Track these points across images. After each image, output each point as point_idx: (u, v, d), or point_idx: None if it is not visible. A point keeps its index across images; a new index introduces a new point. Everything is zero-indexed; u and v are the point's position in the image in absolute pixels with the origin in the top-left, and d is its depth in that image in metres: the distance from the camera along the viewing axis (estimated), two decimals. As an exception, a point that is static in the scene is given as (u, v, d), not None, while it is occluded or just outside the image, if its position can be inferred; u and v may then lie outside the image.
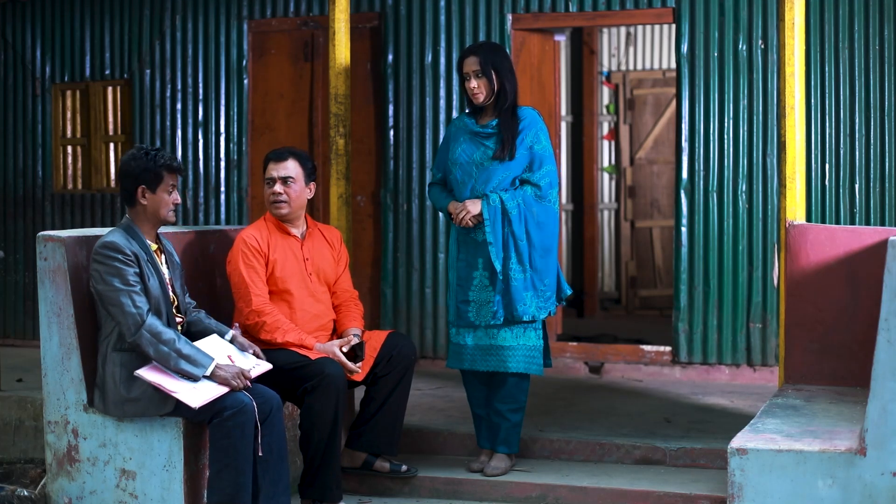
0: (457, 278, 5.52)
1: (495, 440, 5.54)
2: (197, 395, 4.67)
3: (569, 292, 5.57)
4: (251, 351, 5.03)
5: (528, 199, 5.38)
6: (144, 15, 8.55)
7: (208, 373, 4.74)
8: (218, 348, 4.90)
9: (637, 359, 7.55)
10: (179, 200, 4.99)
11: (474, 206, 5.41)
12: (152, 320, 4.73)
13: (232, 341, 5.01)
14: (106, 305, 4.78)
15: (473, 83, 5.41)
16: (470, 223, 5.42)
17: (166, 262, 5.01)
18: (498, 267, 5.37)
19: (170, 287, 4.96)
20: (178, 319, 5.01)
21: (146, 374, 4.72)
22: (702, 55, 7.27)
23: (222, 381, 4.75)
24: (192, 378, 4.73)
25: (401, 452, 5.60)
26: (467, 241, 5.50)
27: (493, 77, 5.40)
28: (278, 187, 5.35)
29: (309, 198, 5.46)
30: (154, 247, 4.96)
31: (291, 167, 5.37)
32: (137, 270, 4.78)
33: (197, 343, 4.86)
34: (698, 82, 7.28)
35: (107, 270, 4.75)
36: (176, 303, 5.01)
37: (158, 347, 4.71)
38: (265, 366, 4.98)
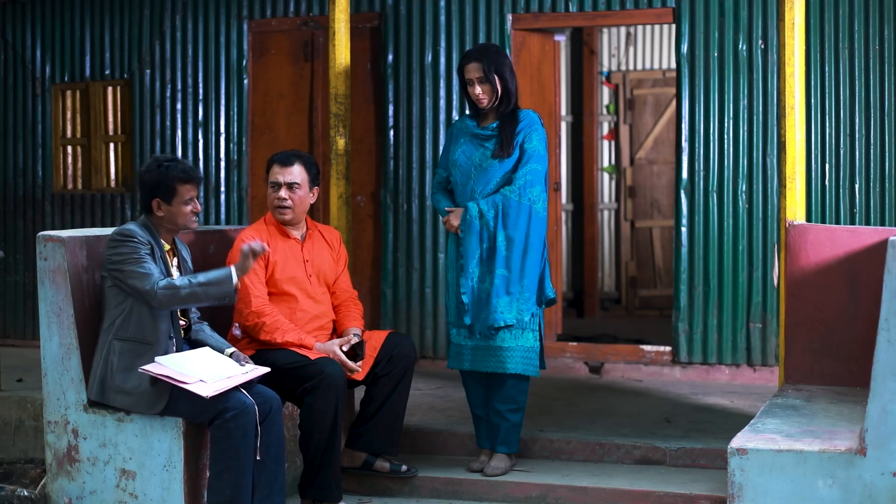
0: (456, 279, 5.52)
1: (495, 440, 5.54)
2: (207, 386, 4.66)
3: (551, 296, 5.51)
4: (248, 363, 5.02)
5: (506, 201, 5.34)
6: (144, 15, 8.55)
7: (236, 280, 4.79)
8: (212, 360, 4.88)
9: (637, 359, 7.55)
10: (200, 209, 5.00)
11: (455, 219, 5.46)
12: (162, 280, 4.75)
13: (231, 356, 5.01)
14: (123, 280, 4.78)
15: (478, 89, 5.41)
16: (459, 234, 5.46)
17: (178, 266, 5.02)
18: (466, 290, 5.36)
19: None
20: (181, 322, 5.01)
21: (153, 368, 4.72)
22: (702, 55, 7.27)
23: (245, 271, 4.84)
24: (228, 296, 4.79)
25: (401, 452, 5.60)
26: (466, 243, 5.51)
27: (497, 82, 5.40)
28: (283, 193, 5.35)
29: (312, 202, 5.46)
30: (167, 247, 4.97)
31: (297, 173, 5.36)
32: (150, 253, 4.80)
33: (191, 353, 4.86)
34: (698, 82, 7.28)
35: (121, 250, 4.79)
36: None
37: (180, 292, 4.73)
38: (262, 369, 4.97)
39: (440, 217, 5.76)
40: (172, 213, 4.93)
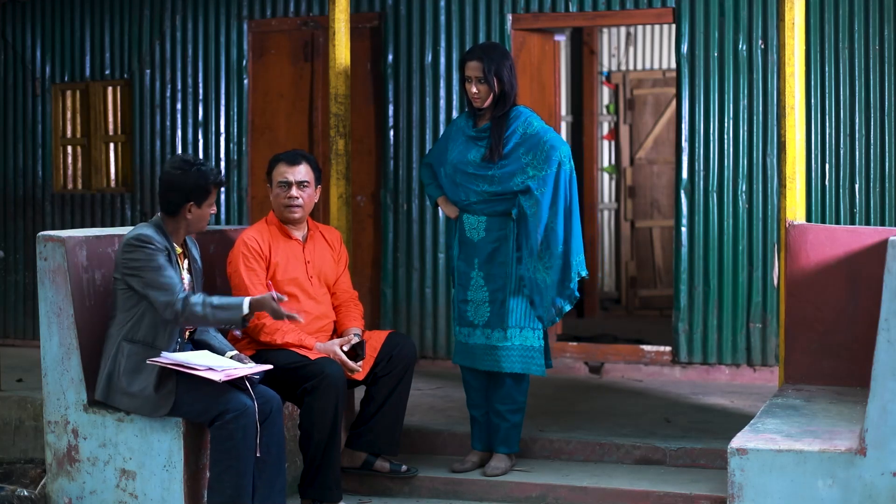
0: (457, 276, 5.54)
1: (495, 440, 5.54)
2: (217, 374, 4.67)
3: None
4: (250, 363, 5.03)
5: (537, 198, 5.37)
6: (144, 15, 8.55)
7: (246, 310, 4.76)
8: (215, 358, 4.88)
9: (637, 359, 7.55)
10: (216, 210, 5.01)
11: (452, 213, 5.55)
12: (182, 295, 4.75)
13: (232, 358, 5.00)
14: (141, 288, 4.77)
15: (474, 88, 5.41)
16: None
17: (188, 268, 5.02)
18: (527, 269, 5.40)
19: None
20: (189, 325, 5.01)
21: (161, 360, 4.72)
22: (702, 55, 7.27)
23: (262, 309, 4.79)
24: (234, 324, 4.78)
25: (401, 452, 5.60)
26: (465, 241, 5.52)
27: (495, 84, 5.40)
28: (294, 192, 5.34)
29: (315, 201, 5.47)
30: (179, 250, 4.97)
31: (305, 172, 5.36)
32: (168, 260, 4.80)
33: (192, 354, 4.86)
34: (698, 82, 7.28)
35: (142, 257, 4.77)
36: None
37: (195, 310, 4.72)
38: (264, 366, 4.97)
39: (440, 215, 5.75)
40: (200, 217, 4.93)
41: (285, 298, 4.86)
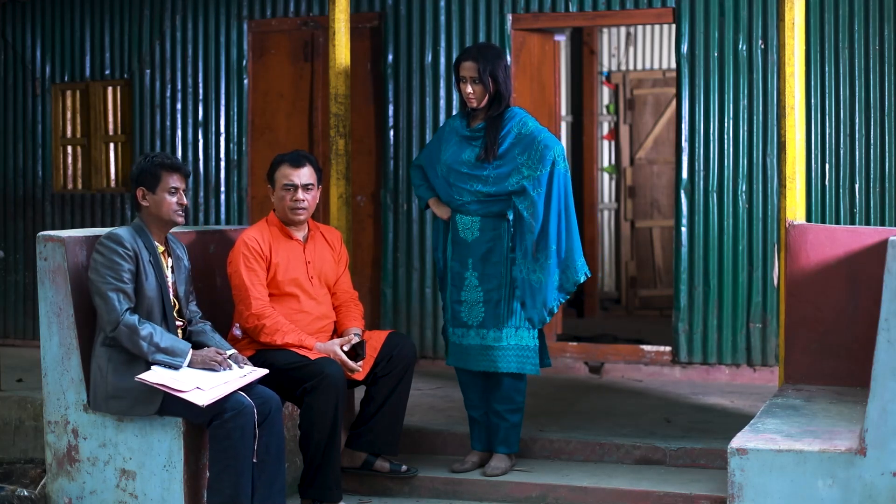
0: (451, 277, 5.53)
1: (495, 440, 5.54)
2: (203, 394, 4.66)
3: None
4: (247, 365, 5.02)
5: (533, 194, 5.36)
6: (144, 15, 8.55)
7: (186, 363, 4.78)
8: (201, 375, 4.87)
9: (637, 359, 7.55)
10: (185, 202, 4.97)
11: (444, 213, 5.54)
12: (130, 317, 4.74)
13: (230, 357, 4.99)
14: (93, 295, 4.80)
15: (469, 88, 5.40)
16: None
17: (172, 266, 5.00)
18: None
19: (171, 291, 4.95)
20: (178, 324, 5.00)
21: (149, 377, 4.72)
22: (702, 55, 7.27)
23: (203, 366, 4.80)
24: (174, 368, 4.76)
25: (401, 452, 5.60)
26: (458, 242, 5.51)
27: (490, 84, 5.39)
28: (301, 194, 5.34)
29: (316, 202, 5.47)
30: (161, 249, 4.96)
31: (309, 174, 5.37)
32: (133, 268, 4.78)
33: (182, 372, 4.85)
34: (698, 82, 7.28)
35: (104, 262, 4.77)
36: (178, 307, 5.00)
37: (136, 342, 4.73)
38: (260, 371, 4.96)
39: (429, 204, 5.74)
40: (157, 203, 4.90)
41: (237, 354, 5.00)
